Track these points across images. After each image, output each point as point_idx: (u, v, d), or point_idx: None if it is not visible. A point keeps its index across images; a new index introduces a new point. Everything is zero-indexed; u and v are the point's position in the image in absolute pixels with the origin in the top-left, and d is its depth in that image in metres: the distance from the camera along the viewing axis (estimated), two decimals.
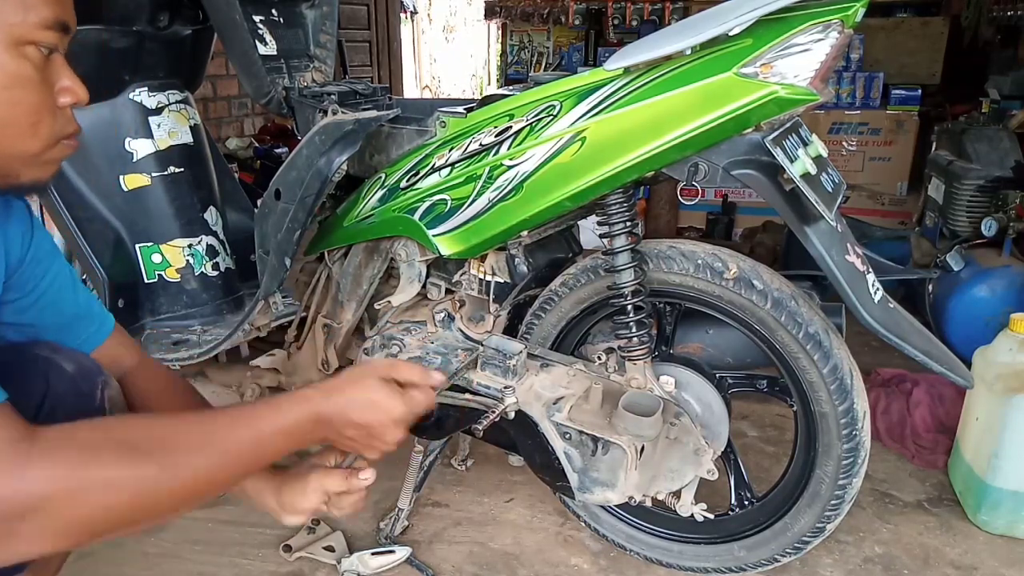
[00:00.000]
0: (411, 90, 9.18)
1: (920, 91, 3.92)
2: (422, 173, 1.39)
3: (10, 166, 0.78)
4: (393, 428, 0.92)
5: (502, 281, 1.47)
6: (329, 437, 0.90)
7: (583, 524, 1.62)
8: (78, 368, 0.90)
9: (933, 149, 2.98)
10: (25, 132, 0.77)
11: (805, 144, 1.19)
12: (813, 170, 1.12)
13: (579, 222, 1.61)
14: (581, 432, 1.31)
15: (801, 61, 1.06)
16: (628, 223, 1.31)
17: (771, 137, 1.10)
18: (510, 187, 1.28)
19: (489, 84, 10.69)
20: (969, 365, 1.66)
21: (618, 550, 1.59)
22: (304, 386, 0.91)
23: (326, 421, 0.88)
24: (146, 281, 1.78)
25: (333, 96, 1.54)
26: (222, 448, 0.78)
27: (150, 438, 0.74)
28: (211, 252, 1.83)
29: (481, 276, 1.47)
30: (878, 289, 1.22)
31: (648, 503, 1.34)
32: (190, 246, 1.79)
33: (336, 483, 0.99)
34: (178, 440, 0.75)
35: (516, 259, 1.47)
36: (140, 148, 1.73)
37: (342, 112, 1.45)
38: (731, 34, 1.04)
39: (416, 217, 1.41)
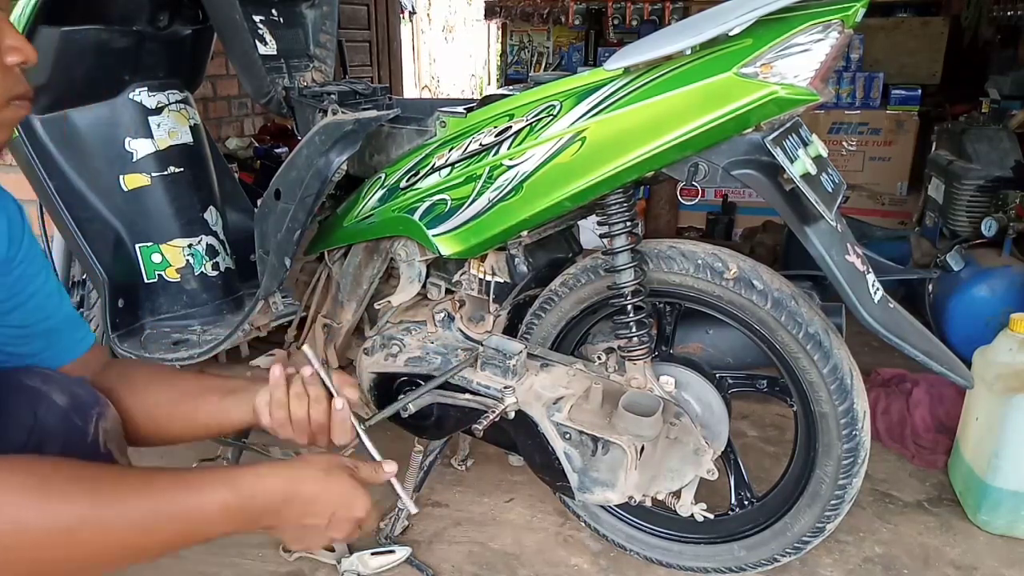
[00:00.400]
0: (410, 90, 9.17)
1: (920, 91, 3.92)
2: (422, 173, 1.40)
3: None
4: (351, 524, 0.85)
5: (502, 281, 1.47)
6: (269, 526, 0.81)
7: (583, 524, 1.62)
8: (71, 400, 0.87)
9: (933, 149, 2.98)
10: None
11: (805, 144, 1.19)
12: (813, 170, 1.12)
13: (579, 222, 1.61)
14: (581, 432, 1.31)
15: (801, 61, 1.06)
16: (628, 223, 1.31)
17: (771, 137, 1.10)
18: (510, 187, 1.28)
19: (489, 84, 10.69)
20: (969, 365, 1.66)
21: (618, 550, 1.59)
22: (271, 463, 0.84)
23: (273, 510, 0.80)
24: (146, 281, 1.78)
25: (333, 96, 1.54)
26: (131, 506, 0.72)
27: (67, 476, 0.70)
28: (211, 252, 1.83)
29: (481, 276, 1.47)
30: (878, 289, 1.22)
31: (648, 503, 1.34)
32: (190, 246, 1.79)
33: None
34: (87, 483, 0.70)
35: (516, 259, 1.47)
36: (140, 148, 1.73)
37: (342, 112, 1.45)
38: (731, 34, 1.04)
39: (416, 217, 1.41)
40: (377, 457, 0.96)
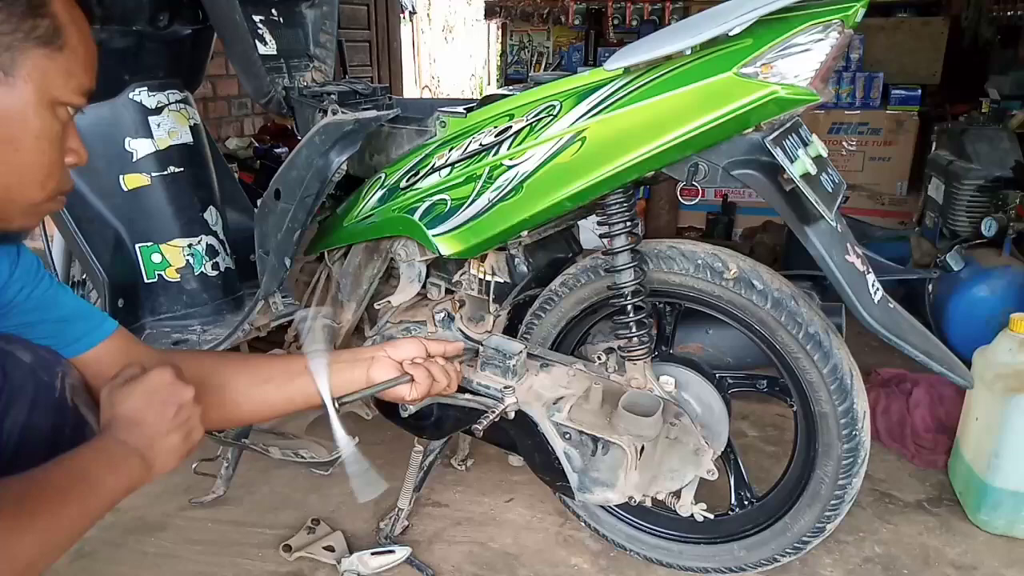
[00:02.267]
0: (410, 90, 9.17)
1: (920, 91, 3.91)
2: (422, 173, 1.39)
3: (8, 211, 0.83)
4: (176, 389, 0.89)
5: (502, 281, 1.47)
6: (135, 440, 0.85)
7: (583, 524, 1.62)
8: (35, 358, 0.90)
9: (933, 149, 2.98)
10: (36, 182, 0.83)
11: (805, 144, 1.19)
12: (813, 170, 1.12)
13: (579, 222, 1.61)
14: (581, 432, 1.31)
15: (801, 61, 1.06)
16: (628, 223, 1.31)
17: (771, 137, 1.10)
18: (510, 187, 1.28)
19: (489, 84, 10.69)
20: (969, 365, 1.66)
21: (618, 550, 1.59)
22: None
23: (118, 421, 0.85)
24: (146, 281, 1.78)
25: (333, 96, 1.54)
26: (71, 506, 0.77)
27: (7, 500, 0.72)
28: (211, 252, 1.83)
29: (481, 276, 1.47)
30: (878, 289, 1.22)
31: (648, 503, 1.34)
32: (190, 246, 1.79)
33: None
34: (29, 502, 0.73)
35: (516, 259, 1.47)
36: (140, 148, 1.73)
37: (342, 112, 1.45)
38: (731, 34, 1.04)
39: (416, 217, 1.41)
40: (341, 436, 0.96)
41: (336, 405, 1.03)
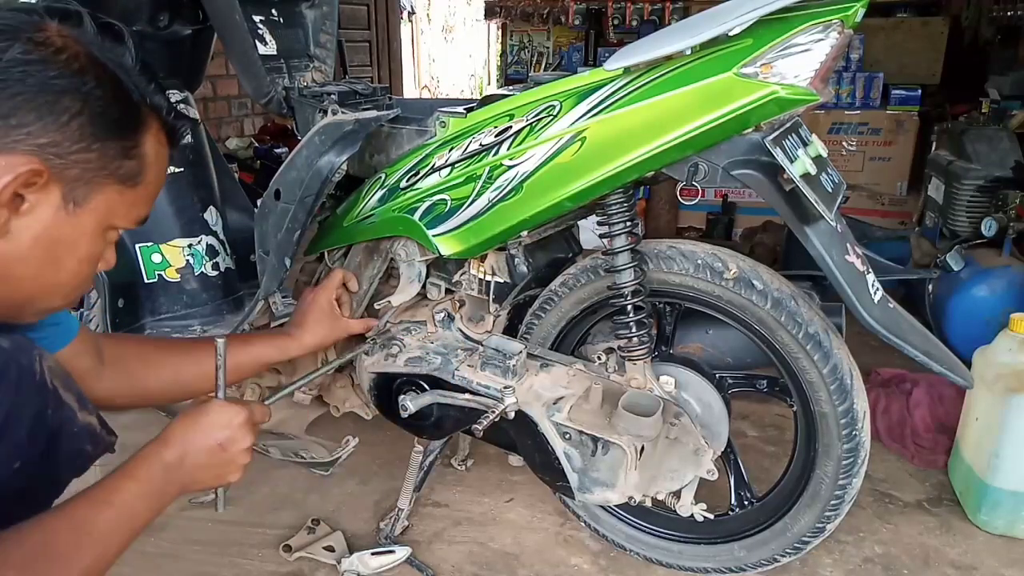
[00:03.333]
0: (410, 90, 9.17)
1: (920, 91, 3.92)
2: (422, 173, 1.39)
3: (23, 313, 0.84)
4: (238, 435, 0.94)
5: (502, 281, 1.47)
6: (188, 483, 0.92)
7: (583, 524, 1.62)
8: (13, 343, 0.90)
9: (933, 149, 2.99)
10: (63, 295, 0.84)
11: (805, 144, 1.19)
12: (813, 170, 1.12)
13: (579, 222, 1.61)
14: (581, 432, 1.31)
15: (801, 61, 1.06)
16: (628, 223, 1.31)
17: (771, 137, 1.10)
18: (510, 187, 1.28)
19: (489, 84, 10.69)
20: (969, 365, 1.66)
21: (618, 550, 1.59)
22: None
23: (175, 464, 0.90)
24: (146, 281, 1.78)
25: (333, 96, 1.54)
26: (94, 539, 0.81)
27: (25, 556, 0.76)
28: (211, 252, 1.83)
29: (481, 276, 1.47)
30: (878, 289, 1.22)
31: (648, 503, 1.34)
32: (190, 246, 1.79)
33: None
34: (52, 549, 0.77)
35: (516, 259, 1.46)
36: None
37: (342, 112, 1.45)
38: (731, 34, 1.04)
39: (416, 217, 1.41)
40: (221, 393, 1.00)
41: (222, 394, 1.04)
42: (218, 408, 0.94)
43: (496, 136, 1.29)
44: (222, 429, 0.93)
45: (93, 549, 0.80)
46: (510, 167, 1.27)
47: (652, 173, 1.24)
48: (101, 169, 0.77)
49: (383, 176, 1.47)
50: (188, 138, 1.81)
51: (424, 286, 1.54)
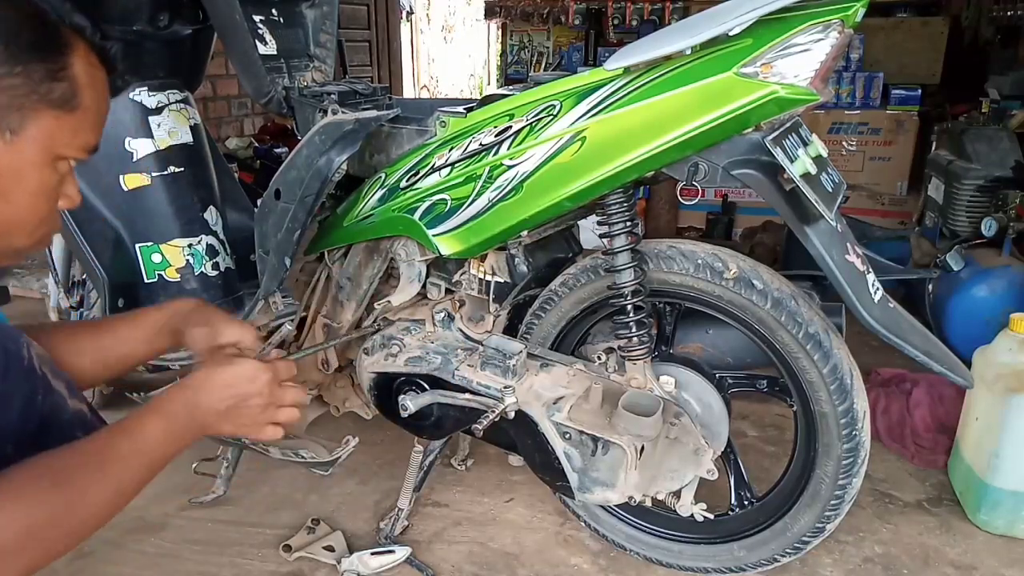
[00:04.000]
0: (409, 90, 9.17)
1: (920, 91, 3.92)
2: (422, 173, 1.39)
3: None
4: (260, 390, 0.93)
5: (502, 281, 1.47)
6: (211, 424, 0.92)
7: (583, 524, 1.62)
8: (0, 329, 0.91)
9: (933, 149, 2.98)
10: (25, 232, 0.84)
11: (805, 144, 1.19)
12: (813, 170, 1.12)
13: (579, 222, 1.61)
14: (581, 432, 1.31)
15: (801, 61, 1.06)
16: (628, 223, 1.31)
17: (771, 137, 1.10)
18: (510, 187, 1.28)
19: (489, 84, 10.69)
20: (969, 365, 1.66)
21: (618, 550, 1.59)
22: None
23: (195, 405, 0.90)
24: (146, 281, 1.78)
25: (333, 96, 1.54)
26: (113, 465, 0.82)
27: (51, 475, 0.78)
28: (211, 252, 1.83)
29: (481, 276, 1.47)
30: (878, 289, 1.22)
31: (648, 503, 1.34)
32: (190, 246, 1.79)
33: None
34: (71, 473, 0.79)
35: (516, 259, 1.46)
36: (140, 148, 1.73)
37: (342, 112, 1.45)
38: (731, 34, 1.04)
39: (416, 217, 1.41)
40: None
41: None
42: (244, 361, 0.94)
43: (496, 136, 1.29)
44: (244, 382, 0.93)
45: (112, 476, 0.81)
46: (510, 167, 1.27)
47: (652, 173, 1.24)
48: (30, 94, 0.76)
49: (383, 176, 1.47)
50: (188, 138, 1.81)
51: (424, 286, 1.54)
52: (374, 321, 1.58)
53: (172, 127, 1.77)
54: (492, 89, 5.37)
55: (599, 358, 1.43)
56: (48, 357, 0.96)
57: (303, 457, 1.75)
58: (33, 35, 0.77)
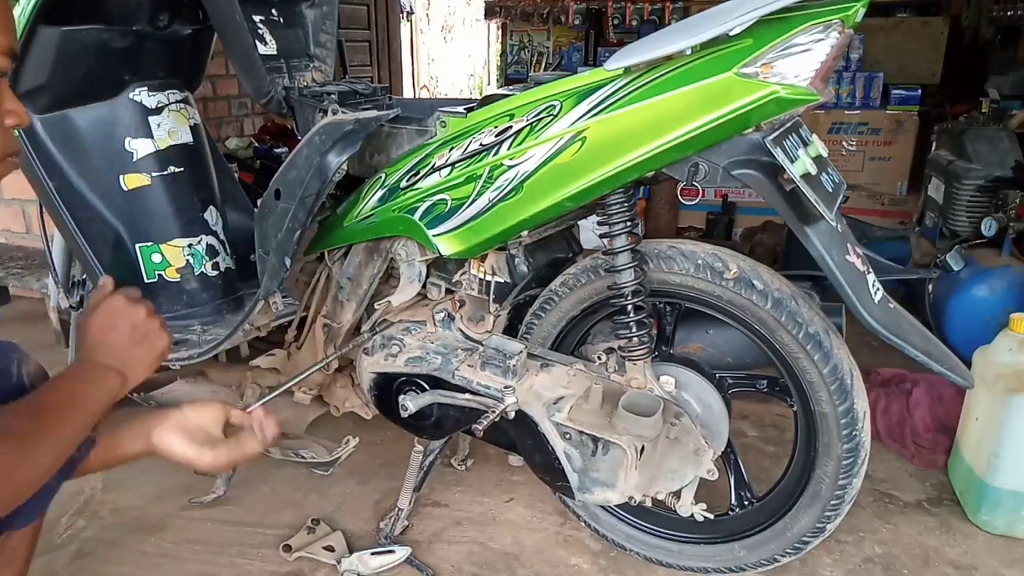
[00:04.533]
0: (409, 90, 9.16)
1: (920, 91, 3.92)
2: (422, 173, 1.39)
3: None
4: (138, 311, 0.98)
5: (502, 281, 1.47)
6: (122, 361, 0.95)
7: (583, 524, 1.62)
8: None
9: (933, 149, 2.98)
10: None
11: (805, 144, 1.19)
12: (813, 170, 1.12)
13: (579, 222, 1.61)
14: (581, 432, 1.31)
15: (801, 61, 1.06)
16: (628, 223, 1.31)
17: (771, 137, 1.10)
18: (510, 187, 1.28)
19: (489, 84, 10.69)
20: (969, 365, 1.66)
21: (618, 550, 1.59)
22: None
23: (99, 346, 0.95)
24: (146, 281, 1.78)
25: (333, 96, 1.54)
26: (47, 417, 0.85)
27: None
28: (211, 252, 1.83)
29: (481, 276, 1.47)
30: (878, 289, 1.22)
31: (648, 503, 1.34)
32: (190, 246, 1.79)
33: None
34: (12, 426, 0.82)
35: (516, 259, 1.47)
36: (140, 148, 1.73)
37: (342, 112, 1.45)
38: (731, 34, 1.04)
39: (416, 217, 1.41)
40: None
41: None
42: (107, 303, 0.98)
43: (496, 136, 1.29)
44: (116, 309, 0.97)
45: (48, 427, 0.84)
46: (510, 167, 1.27)
47: (652, 173, 1.24)
48: None
49: (383, 176, 1.47)
50: (188, 138, 1.81)
51: (424, 286, 1.54)
52: (372, 326, 1.58)
53: (172, 127, 1.77)
54: (492, 89, 5.37)
55: (599, 358, 1.43)
56: (39, 373, 0.98)
57: (303, 457, 1.75)
58: None
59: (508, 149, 1.27)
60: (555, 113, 1.22)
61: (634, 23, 5.15)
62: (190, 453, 0.98)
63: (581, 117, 1.20)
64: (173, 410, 1.03)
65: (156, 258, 1.77)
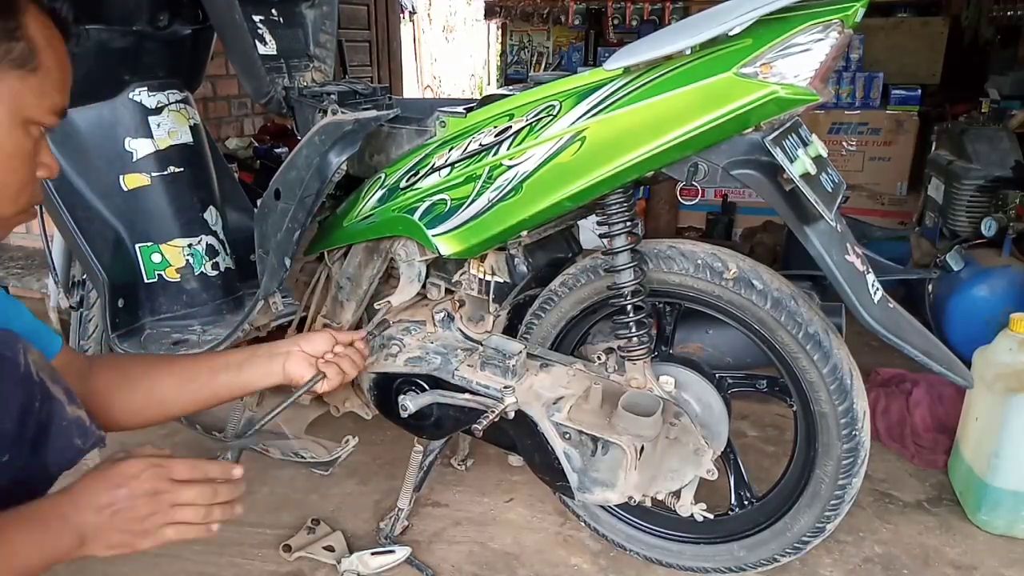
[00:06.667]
0: (412, 90, 9.17)
1: (920, 91, 3.92)
2: (422, 173, 1.39)
3: None
4: (152, 479, 0.86)
5: (502, 281, 1.47)
6: (92, 532, 0.83)
7: (583, 524, 1.62)
8: None
9: (933, 149, 2.98)
10: (8, 198, 0.85)
11: (805, 144, 1.19)
12: (813, 170, 1.12)
13: (579, 222, 1.61)
14: (581, 432, 1.31)
15: (801, 61, 1.06)
16: (628, 223, 1.31)
17: (771, 137, 1.10)
18: (510, 187, 1.28)
19: (489, 84, 10.69)
20: (969, 365, 1.66)
21: (618, 550, 1.59)
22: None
23: (76, 506, 0.83)
24: (146, 281, 1.78)
25: (333, 96, 1.54)
26: None
27: None
28: (211, 252, 1.83)
29: (481, 276, 1.47)
30: (878, 289, 1.22)
31: (648, 503, 1.34)
32: (190, 246, 1.79)
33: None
34: None
35: (516, 259, 1.47)
36: (140, 148, 1.73)
37: (342, 112, 1.45)
38: (731, 34, 1.04)
39: (416, 217, 1.41)
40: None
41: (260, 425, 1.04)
42: (127, 460, 0.87)
43: (496, 136, 1.29)
44: (127, 478, 0.85)
45: None
46: (510, 167, 1.27)
47: (652, 173, 1.24)
48: None
49: (383, 176, 1.47)
50: (188, 138, 1.81)
51: (424, 286, 1.54)
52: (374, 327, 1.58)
53: (172, 127, 1.77)
54: (492, 89, 5.37)
55: (599, 358, 1.43)
56: (47, 363, 0.95)
57: (303, 457, 1.75)
58: None
59: (508, 149, 1.27)
60: (555, 113, 1.22)
61: (634, 23, 5.15)
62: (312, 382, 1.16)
63: (581, 117, 1.20)
64: (289, 343, 1.20)
65: (156, 258, 1.77)
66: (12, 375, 0.87)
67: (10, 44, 0.80)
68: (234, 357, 1.18)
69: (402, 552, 1.57)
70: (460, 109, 1.38)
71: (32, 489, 0.90)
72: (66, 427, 0.92)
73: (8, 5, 0.81)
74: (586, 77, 1.21)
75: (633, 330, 1.32)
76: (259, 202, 1.52)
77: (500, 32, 6.24)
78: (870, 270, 1.22)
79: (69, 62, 0.89)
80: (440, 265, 1.53)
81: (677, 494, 1.35)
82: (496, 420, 1.34)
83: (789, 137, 1.16)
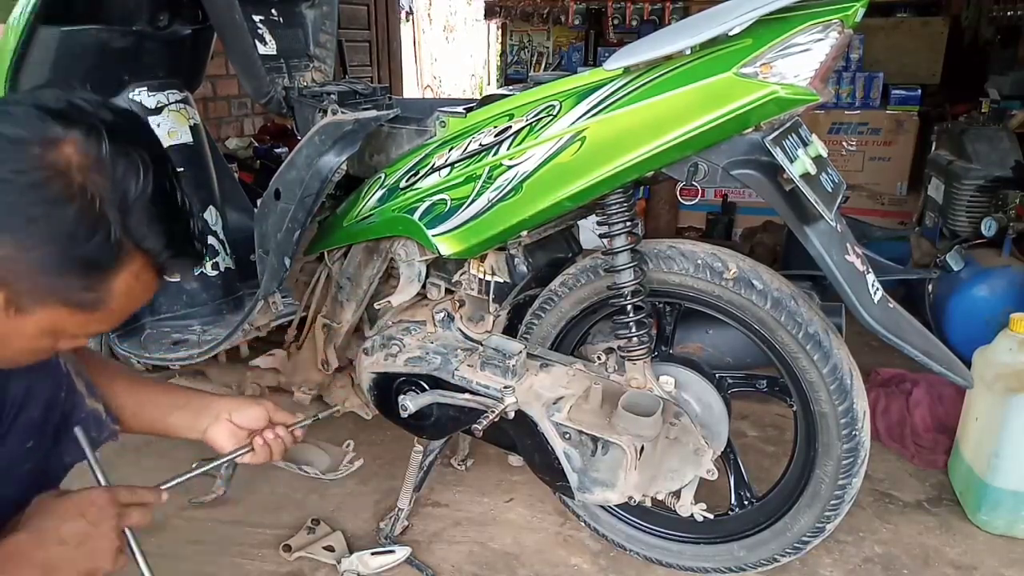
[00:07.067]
0: (412, 90, 9.16)
1: (920, 91, 3.91)
2: (422, 173, 1.39)
3: None
4: (104, 504, 0.85)
5: (502, 281, 1.47)
6: (54, 564, 0.81)
7: (583, 524, 1.62)
8: None
9: (933, 149, 2.98)
10: (23, 361, 0.82)
11: (805, 144, 1.19)
12: (813, 170, 1.12)
13: (579, 222, 1.61)
14: (581, 432, 1.31)
15: (801, 61, 1.06)
16: (628, 223, 1.31)
17: (771, 137, 1.10)
18: (510, 187, 1.28)
19: (489, 84, 10.68)
20: (969, 365, 1.66)
21: (618, 550, 1.59)
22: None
23: (28, 545, 0.81)
24: None
25: (333, 96, 1.54)
26: None
27: None
28: (211, 252, 1.83)
29: (481, 276, 1.47)
30: (878, 289, 1.22)
31: (648, 503, 1.34)
32: None
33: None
34: None
35: (516, 259, 1.47)
36: None
37: (342, 112, 1.45)
38: (731, 34, 1.04)
39: (416, 217, 1.41)
40: (100, 479, 0.93)
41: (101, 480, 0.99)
42: (81, 495, 0.86)
43: (496, 136, 1.29)
44: (78, 509, 0.84)
45: None
46: (510, 167, 1.27)
47: (652, 173, 1.24)
48: (53, 294, 0.73)
49: (383, 176, 1.47)
50: (188, 138, 1.81)
51: (424, 286, 1.54)
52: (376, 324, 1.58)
53: (172, 127, 1.77)
54: (492, 89, 5.37)
55: (599, 358, 1.43)
56: (72, 356, 0.96)
57: (305, 472, 1.76)
58: (87, 252, 0.72)
59: (508, 149, 1.27)
60: (555, 113, 1.22)
61: (634, 23, 5.14)
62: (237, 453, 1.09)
63: (581, 117, 1.20)
64: (222, 406, 1.09)
65: None
66: (44, 363, 0.87)
67: (81, 294, 0.74)
68: (170, 398, 1.12)
69: (402, 552, 1.57)
70: (460, 109, 1.38)
71: (48, 478, 0.91)
72: (84, 419, 0.93)
73: (105, 266, 0.74)
74: (586, 77, 1.21)
75: (633, 330, 1.32)
76: (259, 202, 1.53)
77: (500, 32, 6.24)
78: (870, 270, 1.22)
79: (146, 299, 0.82)
80: (440, 265, 1.53)
81: (677, 494, 1.35)
82: (496, 420, 1.34)
83: (789, 137, 1.16)
